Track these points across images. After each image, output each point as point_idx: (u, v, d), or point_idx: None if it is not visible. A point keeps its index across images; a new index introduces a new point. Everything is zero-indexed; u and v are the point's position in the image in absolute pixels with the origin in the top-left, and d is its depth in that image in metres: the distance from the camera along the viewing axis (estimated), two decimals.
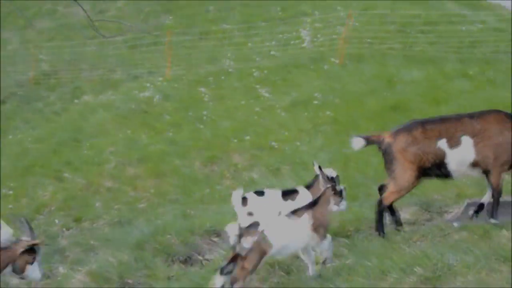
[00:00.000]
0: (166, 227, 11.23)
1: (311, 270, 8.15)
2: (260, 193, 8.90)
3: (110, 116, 20.28)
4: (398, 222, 9.32)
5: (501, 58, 19.12)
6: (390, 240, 8.96)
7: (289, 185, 12.92)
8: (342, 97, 17.34)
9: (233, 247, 7.50)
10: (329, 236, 8.06)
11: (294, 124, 16.81)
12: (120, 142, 18.72)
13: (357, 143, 9.05)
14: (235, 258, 7.47)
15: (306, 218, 7.88)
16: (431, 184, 10.55)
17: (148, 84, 22.42)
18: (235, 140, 16.93)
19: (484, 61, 18.93)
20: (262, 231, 7.55)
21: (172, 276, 9.68)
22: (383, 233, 9.11)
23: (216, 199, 14.61)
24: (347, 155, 13.97)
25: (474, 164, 8.85)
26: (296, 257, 8.51)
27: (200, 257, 10.58)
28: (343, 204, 8.07)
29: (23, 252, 7.65)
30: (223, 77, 21.90)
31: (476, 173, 9.01)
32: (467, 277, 7.38)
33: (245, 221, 8.05)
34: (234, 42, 23.73)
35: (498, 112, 9.09)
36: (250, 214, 8.64)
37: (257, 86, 20.19)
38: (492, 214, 9.14)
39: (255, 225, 7.60)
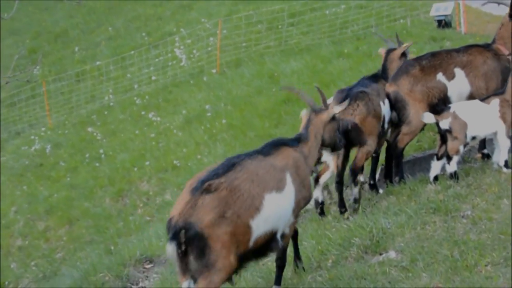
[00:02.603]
0: (96, 267, 11.20)
1: (495, 157, 9.07)
2: None
3: (6, 177, 19.84)
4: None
5: (371, 32, 19.68)
6: (323, 221, 9.18)
7: None
8: (232, 103, 17.46)
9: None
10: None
11: (190, 139, 16.85)
12: (20, 200, 18.39)
13: None
14: (442, 141, 8.81)
15: (495, 104, 8.79)
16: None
17: (33, 137, 22.02)
18: (135, 169, 16.88)
19: (356, 38, 19.44)
20: (454, 112, 8.66)
21: None
22: (403, 178, 9.47)
23: (133, 230, 14.58)
24: None
25: (470, 97, 9.29)
26: None
27: (136, 287, 10.61)
28: None
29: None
30: (106, 112, 21.72)
31: None
32: (405, 236, 7.69)
33: None
34: (112, 77, 23.53)
35: (477, 45, 9.74)
36: None
37: (143, 113, 20.12)
38: (482, 145, 9.90)
39: (447, 108, 8.73)
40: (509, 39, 9.68)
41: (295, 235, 7.45)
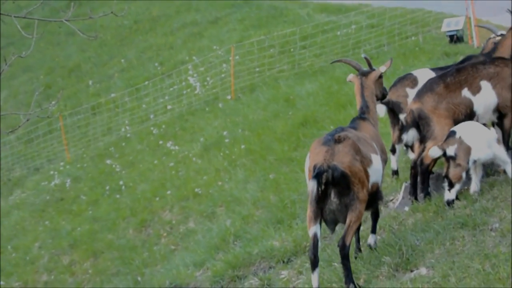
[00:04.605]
0: None
1: (474, 187, 8.98)
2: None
3: (27, 213, 20.00)
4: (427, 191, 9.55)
5: (384, 51, 19.82)
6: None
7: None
8: (250, 128, 17.52)
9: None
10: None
11: (210, 167, 16.91)
12: (43, 235, 18.50)
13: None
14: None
15: (493, 131, 8.87)
16: None
17: (52, 172, 22.16)
18: (157, 199, 16.95)
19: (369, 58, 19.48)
20: (460, 137, 8.64)
21: None
22: (429, 194, 9.39)
23: (158, 259, 14.64)
24: (275, 179, 14.17)
25: (496, 109, 9.35)
26: None
27: None
28: None
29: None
30: (123, 144, 21.84)
31: (494, 118, 9.54)
32: (434, 252, 7.71)
33: None
34: (127, 108, 23.68)
35: (503, 58, 9.67)
36: None
37: (161, 142, 20.22)
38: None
39: (452, 133, 8.73)
40: (508, 50, 9.83)
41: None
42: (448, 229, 8.03)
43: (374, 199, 8.05)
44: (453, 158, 8.66)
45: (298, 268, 9.27)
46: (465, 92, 9.27)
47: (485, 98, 9.29)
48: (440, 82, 9.33)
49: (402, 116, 10.33)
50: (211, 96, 21.93)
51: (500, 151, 8.82)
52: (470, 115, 9.24)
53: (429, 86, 9.35)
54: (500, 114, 9.43)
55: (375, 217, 8.45)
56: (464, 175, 8.70)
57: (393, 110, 10.59)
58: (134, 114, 23.30)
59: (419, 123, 9.25)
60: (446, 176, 8.81)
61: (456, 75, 9.36)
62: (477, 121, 9.30)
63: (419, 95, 9.35)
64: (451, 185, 8.72)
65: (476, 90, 9.26)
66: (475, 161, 8.73)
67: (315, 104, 16.84)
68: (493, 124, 9.79)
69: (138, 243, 15.78)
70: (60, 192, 20.66)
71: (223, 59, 22.95)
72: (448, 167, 8.82)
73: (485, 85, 9.31)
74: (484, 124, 8.98)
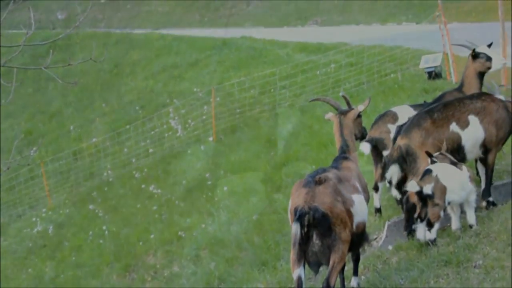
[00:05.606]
0: None
1: (455, 224, 8.97)
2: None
3: (10, 261, 19.79)
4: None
5: (364, 89, 19.92)
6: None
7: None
8: (232, 170, 17.52)
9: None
10: None
11: (193, 209, 16.87)
12: (25, 283, 18.32)
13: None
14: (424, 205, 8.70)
15: (465, 169, 8.80)
16: None
17: (34, 219, 22.00)
18: (141, 243, 16.86)
19: (349, 96, 19.54)
20: (436, 176, 8.50)
21: None
22: (412, 234, 9.27)
23: None
24: (259, 220, 14.15)
25: (482, 143, 9.40)
26: None
27: None
28: None
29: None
30: (106, 189, 21.74)
31: (480, 153, 9.55)
32: None
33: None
34: (109, 152, 23.63)
35: (490, 94, 9.76)
36: None
37: (143, 186, 20.17)
38: (487, 194, 9.66)
39: (428, 171, 8.58)
40: (473, 79, 10.27)
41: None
42: (432, 267, 8.03)
43: (360, 240, 7.99)
44: (430, 197, 8.55)
45: None
46: (453, 127, 9.31)
47: (473, 132, 9.33)
48: (427, 118, 9.34)
49: (386, 153, 10.32)
50: (193, 138, 21.95)
51: (471, 193, 8.83)
52: (458, 150, 9.27)
53: (416, 122, 9.35)
54: (485, 149, 9.47)
55: (356, 258, 8.44)
56: (442, 214, 8.65)
57: (377, 147, 10.60)
58: (116, 159, 23.23)
59: (406, 159, 9.24)
60: (420, 217, 8.76)
61: (444, 110, 9.40)
62: (465, 156, 9.37)
63: (407, 131, 9.32)
64: (430, 225, 8.63)
65: (464, 124, 9.31)
66: (449, 203, 8.70)
67: (297, 144, 16.88)
68: (476, 161, 9.86)
69: None
70: (43, 238, 20.49)
71: (204, 101, 23.00)
72: (421, 208, 8.76)
73: (472, 119, 9.37)
74: (456, 164, 8.93)
